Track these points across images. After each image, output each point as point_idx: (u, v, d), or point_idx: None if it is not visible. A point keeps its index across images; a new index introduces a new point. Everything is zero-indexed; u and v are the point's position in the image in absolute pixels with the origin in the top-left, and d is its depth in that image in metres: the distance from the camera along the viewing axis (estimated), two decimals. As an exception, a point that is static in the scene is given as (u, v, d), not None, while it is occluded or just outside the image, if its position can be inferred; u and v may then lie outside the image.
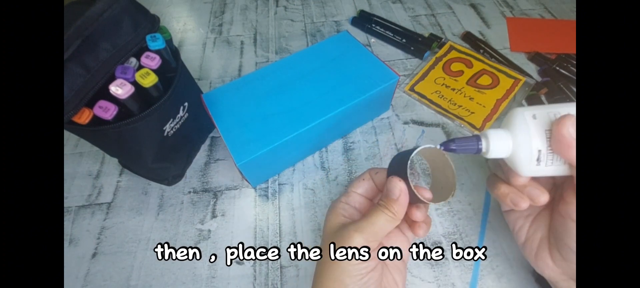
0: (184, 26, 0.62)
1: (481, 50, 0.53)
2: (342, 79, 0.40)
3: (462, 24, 0.59)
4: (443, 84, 0.49)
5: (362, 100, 0.39)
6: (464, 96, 0.47)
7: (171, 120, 0.35)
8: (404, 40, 0.54)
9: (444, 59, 0.52)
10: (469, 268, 0.34)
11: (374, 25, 0.57)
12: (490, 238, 0.35)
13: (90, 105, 0.29)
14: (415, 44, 0.54)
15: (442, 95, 0.47)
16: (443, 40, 0.55)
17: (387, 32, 0.56)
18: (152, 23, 0.33)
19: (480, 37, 0.56)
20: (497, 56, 0.52)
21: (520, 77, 0.49)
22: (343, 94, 0.39)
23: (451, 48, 0.53)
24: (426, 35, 0.56)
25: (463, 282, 0.33)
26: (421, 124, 0.45)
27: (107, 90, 0.29)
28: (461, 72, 0.50)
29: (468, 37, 0.56)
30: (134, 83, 0.30)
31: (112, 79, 0.30)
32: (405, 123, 0.45)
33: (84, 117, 0.29)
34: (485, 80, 0.49)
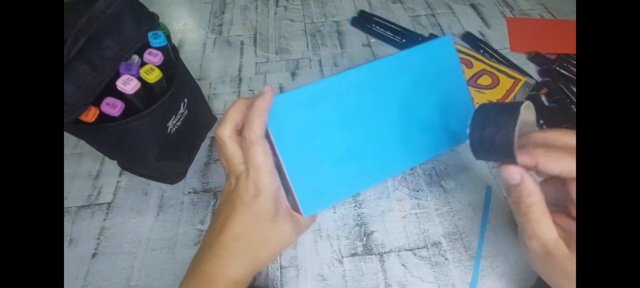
0: (184, 26, 0.62)
1: (481, 50, 0.53)
2: (428, 119, 0.32)
3: (462, 24, 0.59)
4: None
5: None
6: None
7: (173, 116, 0.35)
8: (404, 40, 0.54)
9: None
10: (469, 268, 0.34)
11: (374, 25, 0.57)
12: (490, 238, 0.35)
13: (96, 103, 0.29)
14: (415, 44, 0.54)
15: None
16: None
17: (387, 32, 0.56)
18: (152, 20, 0.33)
19: (480, 37, 0.56)
20: (497, 56, 0.52)
21: (520, 77, 0.48)
22: (425, 144, 0.31)
23: None
24: (426, 35, 0.56)
25: (463, 282, 0.33)
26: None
27: (112, 87, 0.29)
28: None
29: (468, 37, 0.55)
30: (139, 79, 0.30)
31: (117, 76, 0.30)
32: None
33: (90, 115, 0.29)
34: (485, 80, 0.49)
